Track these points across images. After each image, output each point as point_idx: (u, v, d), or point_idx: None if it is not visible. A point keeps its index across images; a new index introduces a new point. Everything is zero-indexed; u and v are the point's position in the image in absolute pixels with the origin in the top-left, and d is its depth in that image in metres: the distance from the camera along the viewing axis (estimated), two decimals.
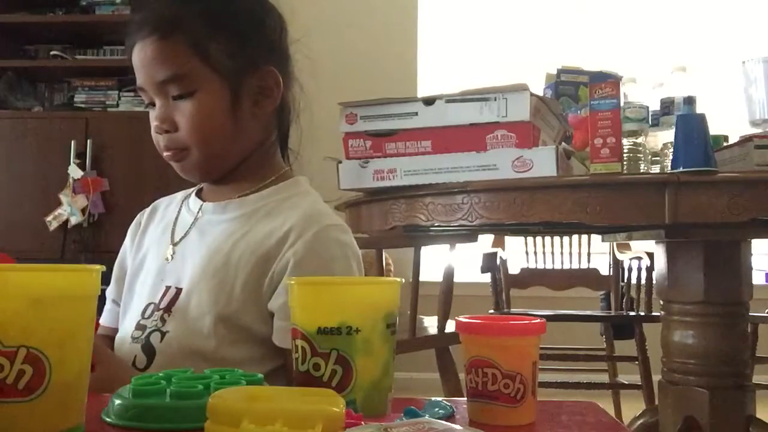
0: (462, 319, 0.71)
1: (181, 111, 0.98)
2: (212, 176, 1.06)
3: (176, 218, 1.09)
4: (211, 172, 1.05)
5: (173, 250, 1.04)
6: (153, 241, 1.10)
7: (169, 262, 1.03)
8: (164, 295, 1.00)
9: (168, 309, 0.98)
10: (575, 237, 3.11)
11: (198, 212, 1.07)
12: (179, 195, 1.16)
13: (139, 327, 1.00)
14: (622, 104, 1.32)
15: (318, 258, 0.95)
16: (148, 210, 1.18)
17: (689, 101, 1.53)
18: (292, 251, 0.95)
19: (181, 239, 1.05)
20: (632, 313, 2.80)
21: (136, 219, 1.18)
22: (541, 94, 1.42)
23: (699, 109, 1.52)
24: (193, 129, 0.98)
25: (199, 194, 1.11)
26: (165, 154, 1.02)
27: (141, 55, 0.99)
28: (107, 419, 0.63)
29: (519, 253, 3.17)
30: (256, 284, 0.96)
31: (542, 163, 1.18)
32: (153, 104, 1.01)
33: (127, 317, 1.06)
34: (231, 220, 1.03)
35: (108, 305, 1.14)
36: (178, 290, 0.99)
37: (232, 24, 1.01)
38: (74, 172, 3.32)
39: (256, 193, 1.05)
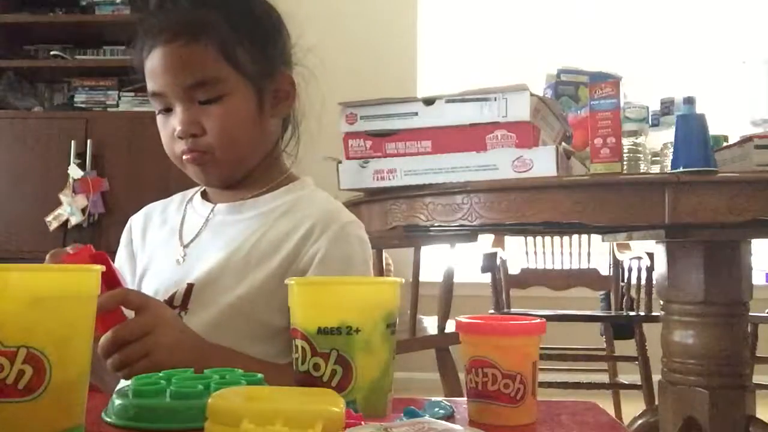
0: (462, 319, 0.71)
1: (210, 115, 0.98)
2: (233, 179, 1.05)
3: (182, 221, 1.09)
4: (234, 175, 1.05)
5: (184, 252, 1.04)
6: (157, 246, 1.09)
7: (180, 264, 1.03)
8: (180, 294, 1.00)
9: (185, 306, 0.98)
10: (575, 237, 3.11)
11: (209, 213, 1.06)
12: (176, 198, 1.15)
13: None
14: (622, 104, 1.32)
15: (340, 254, 0.97)
16: (141, 216, 1.15)
17: (689, 101, 1.54)
18: (316, 247, 0.97)
19: (191, 241, 1.05)
20: (632, 313, 2.80)
21: (127, 227, 1.15)
22: (541, 94, 1.42)
23: (699, 109, 1.52)
24: (223, 133, 0.98)
25: (203, 196, 1.11)
26: (186, 157, 1.00)
27: (164, 60, 0.97)
28: (107, 419, 0.63)
29: (519, 253, 3.17)
30: (279, 280, 0.96)
31: (542, 163, 1.18)
32: (167, 110, 1.00)
33: None
34: (248, 219, 1.03)
35: None
36: (195, 288, 0.99)
37: (254, 29, 1.02)
38: (74, 172, 3.32)
39: (270, 193, 1.05)
